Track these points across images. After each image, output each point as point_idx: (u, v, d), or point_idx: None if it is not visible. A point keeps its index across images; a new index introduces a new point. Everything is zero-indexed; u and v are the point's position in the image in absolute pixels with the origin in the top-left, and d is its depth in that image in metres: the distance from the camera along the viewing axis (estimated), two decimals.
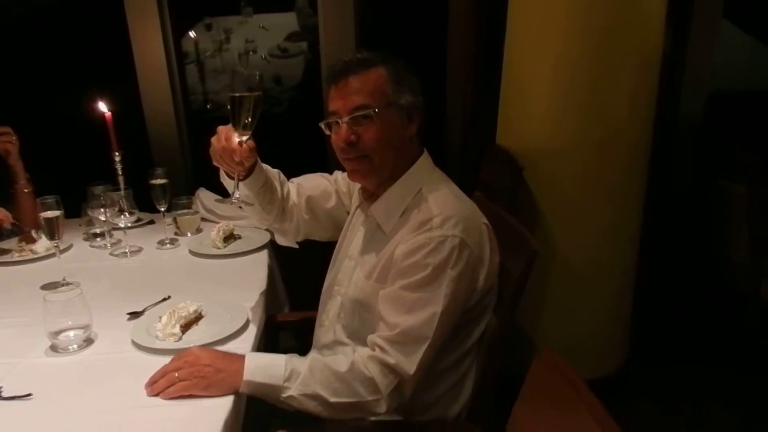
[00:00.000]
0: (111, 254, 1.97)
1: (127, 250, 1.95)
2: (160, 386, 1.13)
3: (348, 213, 1.59)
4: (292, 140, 3.05)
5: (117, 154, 1.86)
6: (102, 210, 1.91)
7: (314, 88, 2.76)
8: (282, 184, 1.61)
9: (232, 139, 1.34)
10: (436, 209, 1.26)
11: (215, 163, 1.43)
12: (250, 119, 1.32)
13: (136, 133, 3.04)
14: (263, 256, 1.88)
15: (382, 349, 1.20)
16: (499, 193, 2.05)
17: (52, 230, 1.66)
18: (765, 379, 2.45)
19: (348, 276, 1.43)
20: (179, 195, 2.12)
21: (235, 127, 1.33)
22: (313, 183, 1.66)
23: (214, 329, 1.37)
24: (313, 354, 1.24)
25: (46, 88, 3.08)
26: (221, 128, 1.37)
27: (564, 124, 2.11)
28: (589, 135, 2.10)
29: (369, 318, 1.31)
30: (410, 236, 1.25)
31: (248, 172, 1.45)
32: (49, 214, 1.65)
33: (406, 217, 1.31)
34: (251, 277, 1.71)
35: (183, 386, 1.12)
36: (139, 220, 2.17)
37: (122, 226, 1.94)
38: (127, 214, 1.93)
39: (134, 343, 1.32)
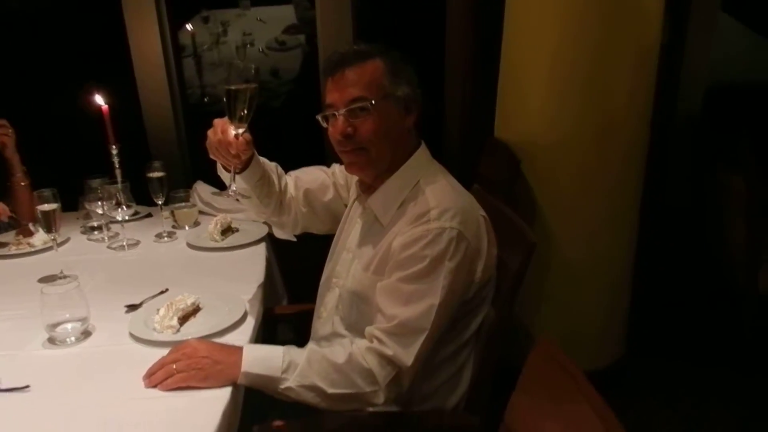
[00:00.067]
0: (108, 247, 1.96)
1: (124, 243, 1.95)
2: (158, 378, 1.13)
3: (346, 206, 1.59)
4: (290, 133, 3.05)
5: (114, 147, 1.85)
6: (99, 203, 1.91)
7: (312, 81, 2.75)
8: (280, 177, 1.60)
9: (229, 131, 1.34)
10: (433, 201, 1.26)
11: (212, 156, 1.43)
12: (246, 111, 1.32)
13: (133, 127, 3.03)
14: (261, 249, 1.88)
15: (379, 340, 1.20)
16: (497, 186, 2.05)
17: (49, 223, 1.66)
18: (762, 376, 2.45)
19: (346, 268, 1.43)
20: (177, 188, 2.11)
21: (231, 119, 1.33)
22: (310, 176, 1.65)
23: (212, 321, 1.37)
24: (311, 345, 1.24)
25: (42, 81, 3.07)
26: (217, 121, 1.37)
27: (562, 117, 2.11)
28: (586, 128, 2.10)
29: (367, 310, 1.32)
30: (408, 228, 1.25)
31: (245, 165, 1.44)
32: (46, 207, 1.64)
33: (403, 210, 1.31)
34: (249, 269, 1.71)
35: (181, 378, 1.12)
36: (136, 213, 2.17)
37: (119, 219, 1.94)
38: (124, 207, 1.92)
39: (132, 336, 1.32)
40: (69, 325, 1.31)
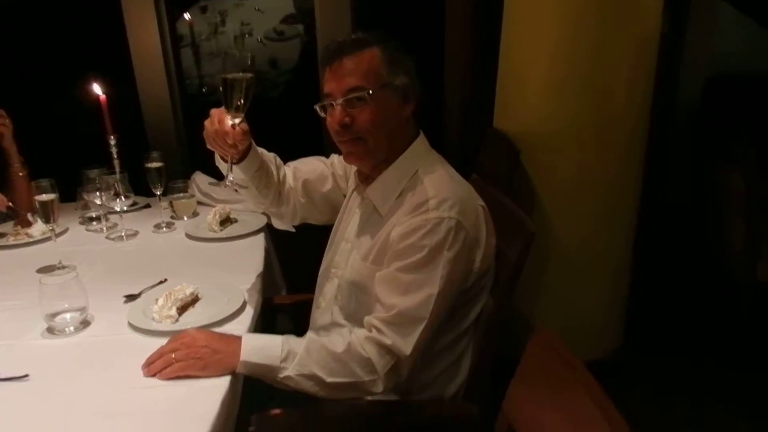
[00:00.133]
0: (107, 238, 1.96)
1: (123, 234, 1.95)
2: (157, 367, 1.13)
3: (344, 196, 1.58)
4: (288, 124, 3.04)
5: (112, 137, 1.85)
6: (97, 194, 1.90)
7: (310, 71, 2.74)
8: (278, 168, 1.60)
9: (225, 121, 1.33)
10: (432, 191, 1.25)
11: (209, 147, 1.43)
12: (242, 101, 1.31)
13: (131, 117, 3.02)
14: (260, 240, 1.88)
15: (378, 330, 1.20)
16: (496, 177, 2.05)
17: (47, 213, 1.66)
18: (759, 370, 2.46)
19: (345, 258, 1.43)
20: (175, 179, 2.11)
21: (228, 109, 1.32)
22: (309, 166, 1.65)
23: (211, 311, 1.37)
24: (309, 335, 1.25)
25: (40, 72, 3.05)
26: (214, 111, 1.36)
27: (561, 108, 2.10)
28: (586, 119, 2.09)
29: (366, 300, 1.32)
30: (406, 218, 1.25)
31: (243, 156, 1.44)
32: (44, 197, 1.64)
33: (402, 200, 1.31)
34: (248, 260, 1.71)
35: (180, 367, 1.12)
36: (135, 204, 2.16)
37: (118, 209, 1.93)
38: (122, 197, 1.92)
39: (131, 325, 1.33)
40: (68, 315, 1.31)
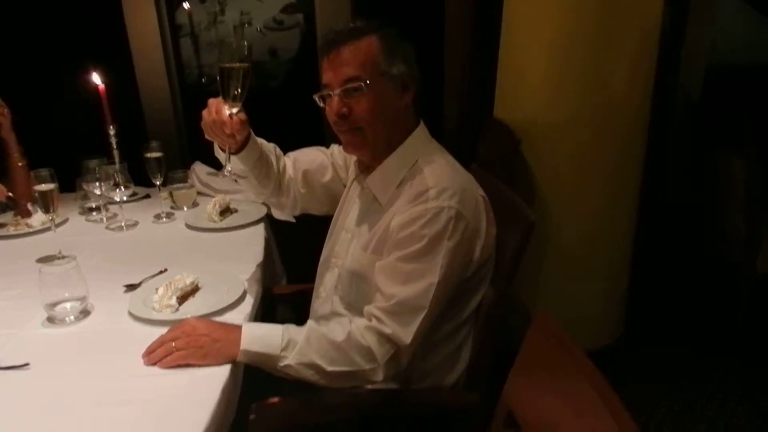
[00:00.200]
0: (107, 228, 1.96)
1: (123, 224, 1.95)
2: (158, 356, 1.13)
3: (344, 186, 1.58)
4: (288, 114, 3.03)
5: (111, 127, 1.84)
6: (97, 184, 1.90)
7: (310, 61, 2.73)
8: (278, 159, 1.60)
9: (223, 111, 1.33)
10: (432, 181, 1.25)
11: (207, 137, 1.42)
12: (239, 90, 1.30)
13: (130, 107, 3.01)
14: (260, 230, 1.87)
15: (378, 319, 1.20)
16: (497, 166, 2.05)
17: (46, 203, 1.65)
18: (757, 360, 2.47)
19: (345, 248, 1.43)
20: (175, 169, 2.10)
21: (225, 99, 1.32)
22: (309, 157, 1.64)
23: (211, 301, 1.37)
24: (310, 324, 1.25)
25: (38, 61, 3.04)
26: (212, 101, 1.36)
27: (561, 97, 2.10)
28: (587, 108, 2.09)
29: (366, 289, 1.32)
30: (406, 208, 1.25)
31: (242, 146, 1.43)
32: (44, 187, 1.64)
33: (402, 189, 1.30)
34: (248, 250, 1.71)
35: (180, 356, 1.12)
36: (134, 194, 2.16)
37: (118, 200, 1.93)
38: (122, 187, 1.92)
39: (131, 315, 1.33)
40: (68, 305, 1.31)
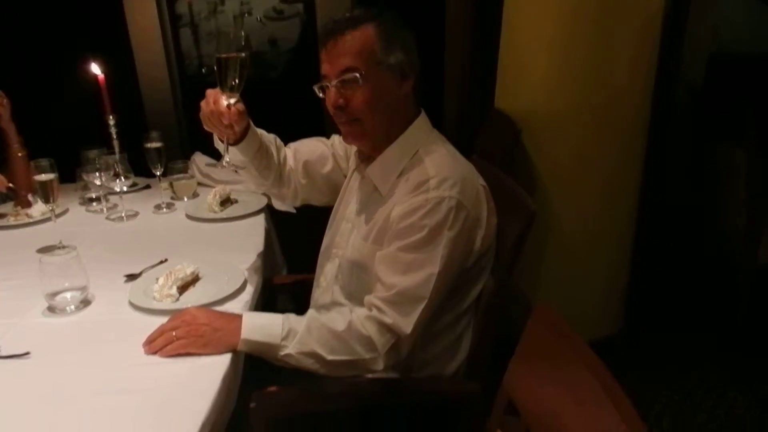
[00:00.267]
0: (107, 218, 1.96)
1: (123, 215, 1.95)
2: (158, 345, 1.13)
3: (345, 176, 1.58)
4: (289, 104, 3.02)
5: (111, 117, 1.84)
6: (97, 174, 1.90)
7: (310, 51, 2.71)
8: (278, 149, 1.59)
9: (220, 102, 1.32)
10: (432, 170, 1.24)
11: (206, 128, 1.42)
12: (237, 81, 1.30)
13: (130, 98, 3.00)
14: (260, 220, 1.87)
15: (379, 309, 1.20)
16: (497, 157, 2.04)
17: (46, 193, 1.65)
18: (757, 351, 2.48)
19: (345, 238, 1.43)
20: (175, 159, 2.10)
21: (223, 89, 1.31)
22: (309, 147, 1.64)
23: (211, 290, 1.37)
24: (310, 313, 1.25)
25: (37, 51, 3.02)
26: (210, 91, 1.35)
27: (563, 87, 2.09)
28: (588, 98, 2.08)
29: (366, 279, 1.32)
30: (407, 198, 1.24)
31: (241, 137, 1.43)
32: (43, 177, 1.63)
33: (402, 179, 1.30)
34: (248, 240, 1.71)
35: (181, 344, 1.12)
36: (134, 184, 2.16)
37: (118, 190, 1.93)
38: (122, 178, 1.91)
39: (131, 304, 1.33)
40: (68, 294, 1.31)
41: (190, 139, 3.16)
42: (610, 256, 2.34)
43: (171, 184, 2.10)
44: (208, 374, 1.07)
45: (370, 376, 1.26)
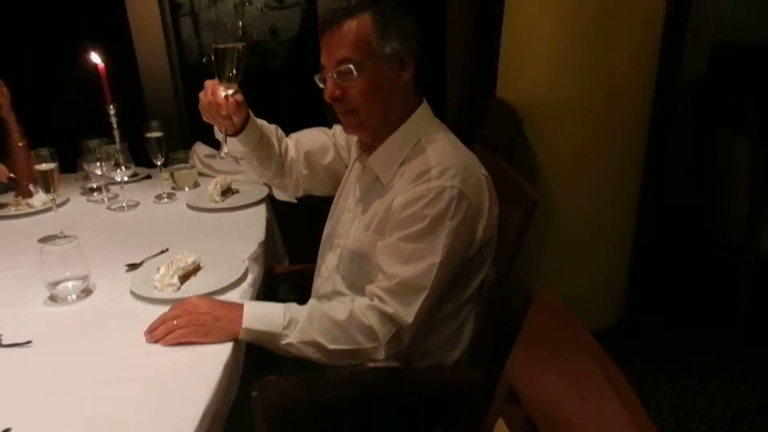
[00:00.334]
0: (108, 208, 1.96)
1: (124, 205, 1.95)
2: (160, 333, 1.13)
3: (347, 166, 1.58)
4: (289, 94, 3.01)
5: (112, 107, 1.83)
6: (98, 164, 1.89)
7: (311, 40, 2.69)
8: (280, 140, 1.59)
9: (218, 93, 1.31)
10: (434, 160, 1.24)
11: (205, 119, 1.41)
12: (234, 72, 1.29)
13: (130, 87, 2.99)
14: (261, 210, 1.87)
15: (380, 299, 1.20)
16: (499, 146, 2.04)
17: (47, 183, 1.65)
18: (761, 344, 2.48)
19: (347, 228, 1.43)
20: (175, 149, 2.10)
21: (220, 80, 1.30)
22: (311, 137, 1.64)
23: (213, 280, 1.37)
24: (311, 303, 1.25)
25: (37, 40, 3.01)
26: (208, 82, 1.34)
27: (564, 77, 2.08)
28: (590, 87, 2.07)
29: (368, 269, 1.32)
30: (408, 187, 1.24)
31: (241, 128, 1.42)
32: (44, 166, 1.63)
33: (404, 168, 1.30)
34: (249, 230, 1.71)
35: (182, 333, 1.12)
36: (135, 174, 2.15)
37: (119, 180, 1.93)
38: (123, 168, 1.91)
39: (133, 294, 1.33)
40: (70, 284, 1.31)
41: (191, 129, 3.16)
42: (611, 245, 2.34)
43: (172, 174, 2.09)
44: (209, 363, 1.07)
45: (371, 365, 1.26)
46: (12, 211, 1.92)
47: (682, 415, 2.10)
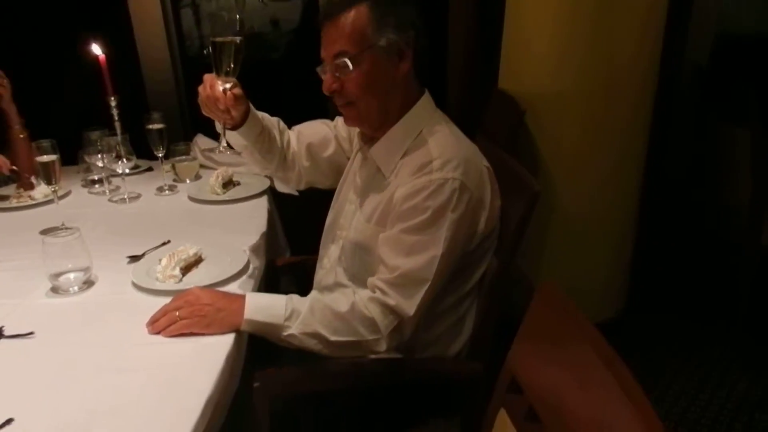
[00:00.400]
0: (110, 200, 1.96)
1: (125, 197, 1.94)
2: (162, 324, 1.13)
3: (348, 158, 1.57)
4: (291, 86, 3.00)
5: (113, 99, 1.83)
6: (99, 156, 1.89)
7: (312, 32, 2.69)
8: (281, 133, 1.58)
9: (216, 87, 1.31)
10: (436, 152, 1.24)
11: (204, 113, 1.41)
12: (232, 65, 1.29)
13: (131, 79, 2.98)
14: (263, 202, 1.87)
15: (382, 291, 1.20)
16: (501, 137, 2.03)
17: (48, 174, 1.65)
18: (762, 335, 2.48)
19: (348, 220, 1.43)
20: (176, 141, 2.09)
21: (218, 74, 1.30)
22: (313, 130, 1.63)
23: (215, 271, 1.37)
24: (313, 294, 1.25)
25: (38, 32, 3.00)
26: (207, 76, 1.34)
27: (567, 68, 2.07)
28: (592, 79, 2.06)
29: (369, 261, 1.32)
30: (410, 179, 1.24)
31: (241, 122, 1.42)
32: (45, 158, 1.63)
33: (405, 160, 1.29)
34: (251, 222, 1.70)
35: (184, 324, 1.12)
36: (137, 166, 2.15)
37: (120, 171, 1.92)
38: (124, 159, 1.91)
39: (134, 285, 1.33)
40: (71, 275, 1.31)
41: (192, 121, 3.15)
42: (613, 237, 2.33)
43: (173, 166, 2.09)
44: (211, 354, 1.08)
45: (372, 356, 1.26)
46: (14, 203, 1.91)
47: (683, 408, 2.10)
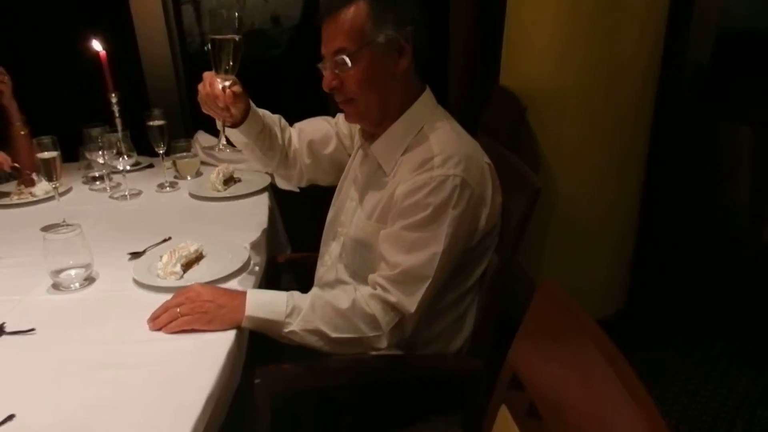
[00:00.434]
0: (111, 197, 1.96)
1: (126, 193, 1.95)
2: (163, 321, 1.14)
3: (350, 155, 1.57)
4: (291, 82, 2.99)
5: (113, 95, 1.82)
6: (100, 152, 1.89)
7: (313, 28, 2.68)
8: (283, 130, 1.58)
9: (215, 84, 1.31)
10: (437, 148, 1.23)
11: (204, 111, 1.40)
12: (231, 63, 1.28)
13: (132, 76, 2.98)
14: (264, 199, 1.87)
15: (383, 287, 1.20)
16: (502, 134, 2.03)
17: (49, 171, 1.65)
18: (762, 332, 2.48)
19: (349, 217, 1.43)
20: (177, 138, 2.09)
21: (217, 72, 1.29)
22: (313, 127, 1.63)
23: (216, 268, 1.37)
24: (314, 291, 1.25)
25: (38, 28, 3.00)
26: (206, 74, 1.33)
27: (568, 64, 2.07)
28: (593, 75, 2.06)
29: (370, 258, 1.31)
30: (411, 176, 1.23)
31: (241, 119, 1.42)
32: (46, 154, 1.63)
33: (406, 157, 1.29)
34: (251, 219, 1.71)
35: (185, 321, 1.12)
36: (138, 163, 2.15)
37: (121, 168, 1.92)
38: (125, 156, 1.91)
39: (135, 282, 1.33)
40: (73, 272, 1.32)
41: (193, 118, 3.15)
42: (614, 234, 2.33)
43: (174, 163, 2.09)
44: (212, 350, 1.08)
45: (373, 353, 1.26)
46: (15, 199, 1.92)
47: (684, 405, 2.10)
